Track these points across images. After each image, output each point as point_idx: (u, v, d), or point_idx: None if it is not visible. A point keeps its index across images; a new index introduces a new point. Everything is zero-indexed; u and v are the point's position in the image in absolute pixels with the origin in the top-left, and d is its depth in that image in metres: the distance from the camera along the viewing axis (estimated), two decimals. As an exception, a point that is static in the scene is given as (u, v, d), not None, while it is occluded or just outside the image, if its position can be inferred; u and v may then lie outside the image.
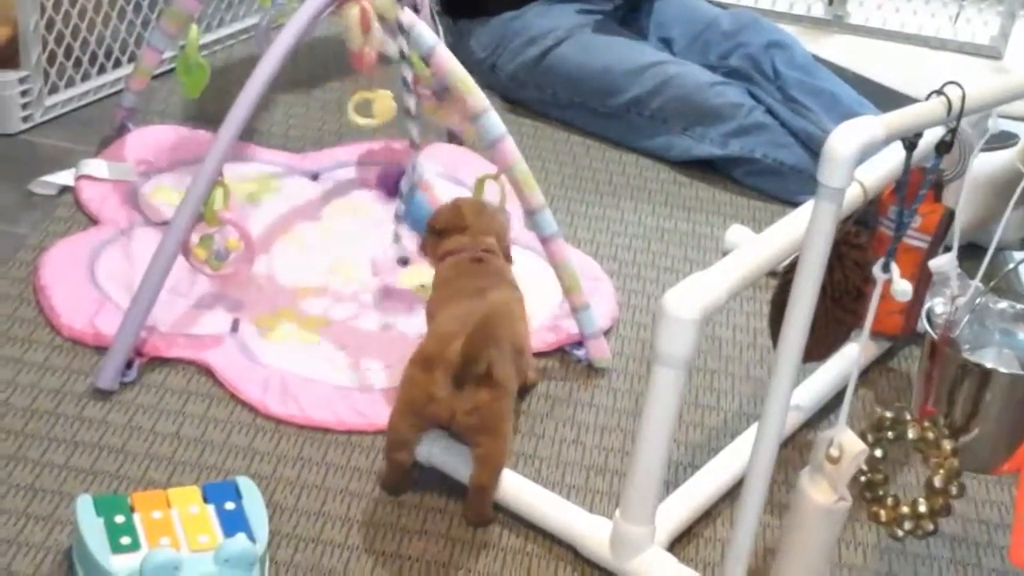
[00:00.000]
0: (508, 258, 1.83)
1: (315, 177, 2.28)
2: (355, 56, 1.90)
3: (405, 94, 1.92)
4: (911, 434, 1.47)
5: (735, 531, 1.44)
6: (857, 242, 1.72)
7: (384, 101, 1.95)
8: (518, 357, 1.69)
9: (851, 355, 1.88)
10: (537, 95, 2.62)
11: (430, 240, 1.82)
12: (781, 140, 2.46)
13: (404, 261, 1.96)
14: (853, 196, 1.70)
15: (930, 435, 1.46)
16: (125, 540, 1.43)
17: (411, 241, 1.97)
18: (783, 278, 1.75)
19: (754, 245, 1.62)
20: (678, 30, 2.71)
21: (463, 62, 1.89)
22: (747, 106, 2.48)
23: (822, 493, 1.42)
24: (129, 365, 1.77)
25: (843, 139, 1.28)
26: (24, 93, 2.29)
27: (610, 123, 2.56)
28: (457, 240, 1.78)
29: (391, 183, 2.13)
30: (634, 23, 2.72)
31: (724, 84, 2.52)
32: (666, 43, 2.71)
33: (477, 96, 1.86)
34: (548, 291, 1.97)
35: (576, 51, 2.58)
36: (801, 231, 1.52)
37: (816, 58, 2.90)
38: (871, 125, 1.30)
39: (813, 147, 2.42)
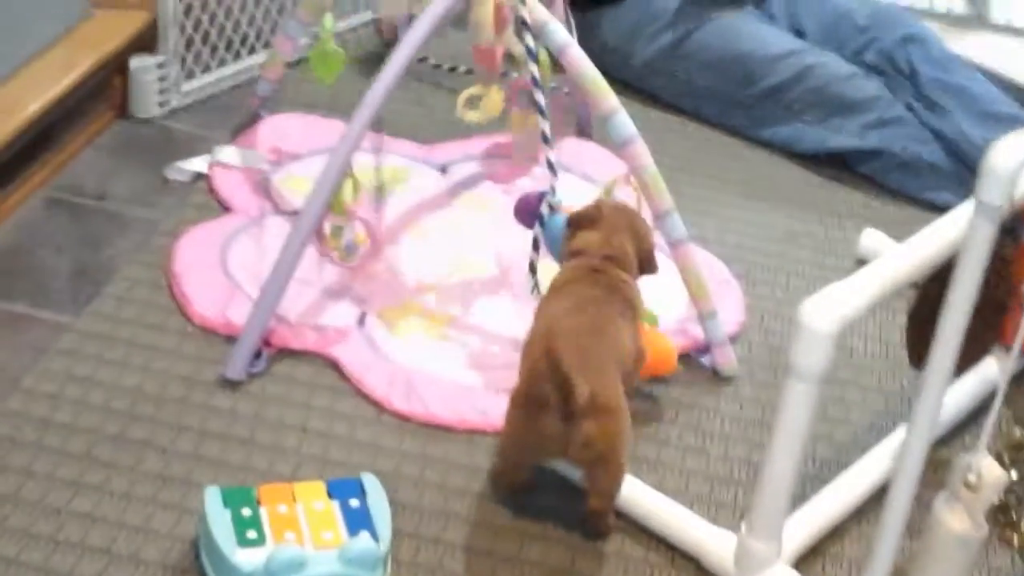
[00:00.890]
0: (651, 264, 1.71)
1: (444, 170, 2.28)
2: (482, 53, 1.89)
3: (536, 92, 1.89)
4: (1051, 457, 1.43)
5: (873, 554, 1.40)
6: (1002, 254, 1.67)
7: (493, 97, 1.94)
8: (628, 376, 1.60)
9: (988, 371, 1.83)
10: (670, 83, 2.58)
11: (565, 234, 1.73)
12: (920, 135, 2.40)
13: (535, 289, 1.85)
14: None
15: (1072, 460, 1.41)
16: (251, 534, 1.45)
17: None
18: (922, 291, 1.70)
19: (895, 256, 1.57)
20: (811, 22, 2.66)
21: (592, 54, 1.87)
22: (886, 99, 2.43)
23: (958, 520, 1.38)
24: (258, 355, 1.78)
25: (1004, 154, 1.22)
26: (161, 79, 2.32)
27: (743, 112, 2.52)
28: (586, 238, 1.68)
29: (530, 212, 1.88)
30: (764, 6, 2.66)
31: (863, 77, 2.46)
32: (799, 35, 2.65)
33: (608, 96, 1.83)
34: (675, 294, 1.94)
35: (714, 36, 2.55)
36: (946, 242, 1.48)
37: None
38: (1037, 138, 1.25)
39: (951, 148, 2.36)
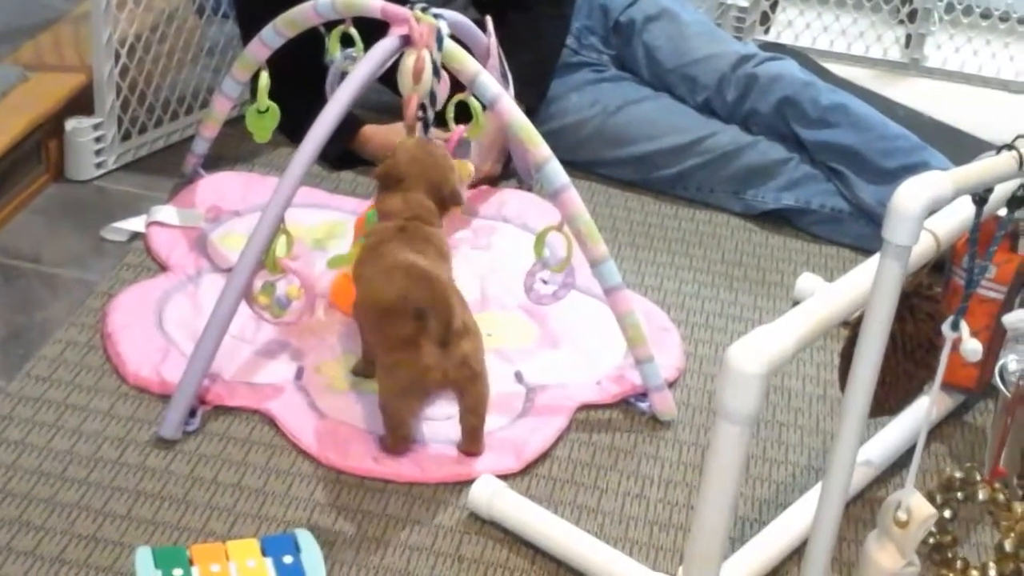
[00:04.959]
0: (455, 198, 1.85)
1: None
2: (404, 102, 1.90)
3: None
4: (981, 495, 1.44)
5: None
6: (930, 294, 1.68)
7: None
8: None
9: (925, 409, 1.83)
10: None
11: (376, 190, 1.87)
12: (833, 189, 2.41)
13: None
14: (926, 247, 1.66)
15: (1000, 497, 1.42)
16: (182, 594, 1.43)
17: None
18: (852, 331, 1.71)
19: (822, 297, 1.58)
20: (688, 95, 2.58)
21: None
22: (794, 159, 2.44)
23: (889, 558, 1.38)
24: (193, 413, 1.77)
25: (910, 195, 1.25)
26: (97, 140, 2.32)
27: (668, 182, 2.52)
28: (389, 203, 1.81)
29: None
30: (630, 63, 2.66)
31: (763, 141, 2.47)
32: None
33: (540, 146, 1.85)
34: (613, 341, 1.95)
35: (622, 129, 2.52)
36: (871, 282, 1.49)
37: (892, 102, 2.85)
38: (939, 181, 1.27)
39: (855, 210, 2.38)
